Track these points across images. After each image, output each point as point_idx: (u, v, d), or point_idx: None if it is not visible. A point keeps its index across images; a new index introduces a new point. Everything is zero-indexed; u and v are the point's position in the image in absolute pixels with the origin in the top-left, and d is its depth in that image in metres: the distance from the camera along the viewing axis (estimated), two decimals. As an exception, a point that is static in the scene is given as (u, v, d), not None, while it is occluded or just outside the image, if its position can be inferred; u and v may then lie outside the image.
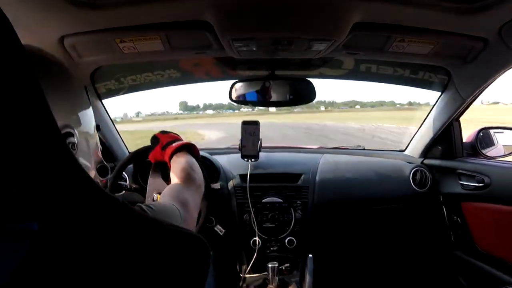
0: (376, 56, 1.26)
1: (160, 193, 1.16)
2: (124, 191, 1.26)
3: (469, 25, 0.96)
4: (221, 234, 1.33)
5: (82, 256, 0.40)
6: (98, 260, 0.41)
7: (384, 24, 1.00)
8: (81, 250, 0.40)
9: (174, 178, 0.85)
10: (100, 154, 0.66)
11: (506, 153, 1.55)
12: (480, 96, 1.36)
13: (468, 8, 0.86)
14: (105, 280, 0.41)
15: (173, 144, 0.99)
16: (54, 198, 0.38)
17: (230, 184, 1.52)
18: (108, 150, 1.58)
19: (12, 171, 0.35)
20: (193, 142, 1.01)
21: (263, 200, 1.49)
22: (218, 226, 1.36)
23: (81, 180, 0.41)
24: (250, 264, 1.42)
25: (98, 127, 0.65)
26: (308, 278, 1.28)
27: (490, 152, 1.56)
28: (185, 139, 1.06)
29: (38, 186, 0.37)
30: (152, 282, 0.45)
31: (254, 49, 1.12)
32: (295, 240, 1.45)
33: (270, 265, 1.27)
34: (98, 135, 0.66)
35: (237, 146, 1.55)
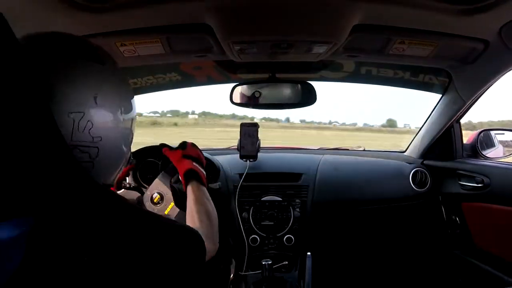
0: (376, 58, 1.26)
1: (160, 194, 1.17)
2: (123, 189, 1.26)
3: (469, 27, 0.96)
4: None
5: (78, 248, 0.40)
6: (94, 251, 0.41)
7: (384, 26, 1.00)
8: (78, 242, 0.40)
9: (194, 216, 0.84)
10: None
11: (506, 154, 1.55)
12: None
13: (468, 9, 0.86)
14: (101, 273, 0.41)
15: (195, 164, 0.99)
16: (51, 191, 0.39)
17: (229, 183, 1.53)
18: None
19: (11, 167, 0.35)
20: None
21: (262, 199, 1.49)
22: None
23: (78, 175, 0.42)
24: (245, 262, 1.43)
25: None
26: (306, 276, 1.28)
27: (490, 153, 1.57)
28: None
29: (36, 181, 0.37)
30: (147, 273, 0.45)
31: (254, 52, 1.12)
32: (293, 238, 1.46)
33: (263, 262, 1.28)
34: None
35: (236, 147, 1.56)
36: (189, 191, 0.92)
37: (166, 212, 1.15)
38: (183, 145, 1.06)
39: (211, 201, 0.93)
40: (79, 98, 0.50)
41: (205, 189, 0.95)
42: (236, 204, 1.47)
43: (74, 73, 0.50)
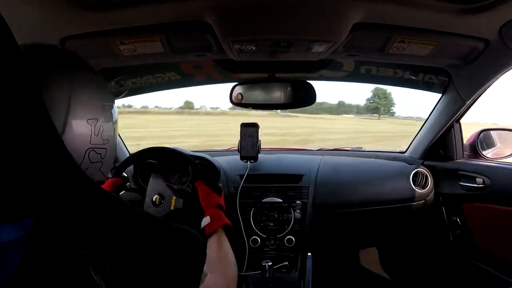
0: (376, 57, 1.26)
1: (160, 195, 1.17)
2: (124, 191, 1.26)
3: (470, 26, 0.96)
4: None
5: (78, 249, 0.40)
6: (93, 252, 0.41)
7: (384, 25, 0.99)
8: (77, 243, 0.40)
9: (213, 264, 0.82)
10: None
11: (507, 154, 1.55)
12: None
13: (468, 9, 0.86)
14: (100, 273, 0.41)
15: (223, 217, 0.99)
16: (52, 193, 0.39)
17: (230, 184, 1.52)
18: None
19: (10, 170, 0.35)
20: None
21: (262, 200, 1.49)
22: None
23: (77, 177, 0.42)
24: (245, 262, 1.42)
25: None
26: (307, 277, 1.28)
27: (490, 153, 1.57)
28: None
29: (37, 183, 0.37)
30: (146, 275, 0.45)
31: (254, 51, 1.11)
32: (294, 239, 1.45)
33: (263, 263, 1.28)
34: None
35: (237, 148, 1.56)
36: (213, 240, 0.92)
37: (172, 207, 1.15)
38: (219, 190, 1.09)
39: (231, 250, 0.91)
40: (94, 107, 0.58)
41: (226, 239, 0.94)
42: (238, 205, 1.46)
43: (88, 84, 0.58)
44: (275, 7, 0.89)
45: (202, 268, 0.56)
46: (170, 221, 0.57)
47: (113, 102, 0.64)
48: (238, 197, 1.47)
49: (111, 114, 0.63)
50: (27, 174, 0.37)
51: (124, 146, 1.70)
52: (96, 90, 0.59)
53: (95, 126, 0.57)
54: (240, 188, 1.48)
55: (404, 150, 1.84)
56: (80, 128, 0.55)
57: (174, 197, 1.17)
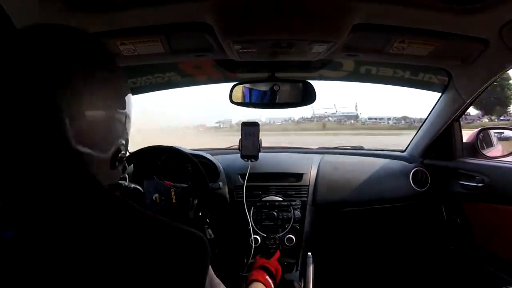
0: (376, 57, 1.25)
1: (159, 193, 1.18)
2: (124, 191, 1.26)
3: (470, 26, 0.96)
4: (209, 237, 1.33)
5: (78, 250, 0.40)
6: (94, 253, 0.41)
7: (384, 26, 0.99)
8: (79, 243, 0.40)
9: None
10: None
11: (506, 153, 1.55)
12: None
13: (468, 9, 0.85)
14: (100, 274, 0.41)
15: (268, 277, 1.06)
16: (54, 190, 0.38)
17: (230, 183, 1.53)
18: None
19: (15, 167, 0.35)
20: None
21: (263, 199, 1.50)
22: (209, 230, 1.36)
23: (81, 176, 0.41)
24: (248, 262, 1.42)
25: None
26: (308, 276, 1.28)
27: (490, 152, 1.57)
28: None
29: (40, 180, 0.37)
30: (148, 277, 0.45)
31: (254, 51, 1.11)
32: (294, 238, 1.46)
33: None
34: None
35: (237, 147, 1.56)
36: None
37: (174, 200, 1.19)
38: (269, 254, 1.16)
39: None
40: (114, 92, 0.54)
41: None
42: (245, 204, 1.46)
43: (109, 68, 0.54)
44: (276, 8, 0.89)
45: (207, 270, 0.56)
46: (173, 222, 0.57)
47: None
48: (244, 197, 1.47)
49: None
50: (31, 171, 0.37)
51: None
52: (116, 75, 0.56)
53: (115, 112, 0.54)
54: (244, 188, 1.48)
55: (404, 148, 1.84)
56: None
57: (172, 190, 1.19)
